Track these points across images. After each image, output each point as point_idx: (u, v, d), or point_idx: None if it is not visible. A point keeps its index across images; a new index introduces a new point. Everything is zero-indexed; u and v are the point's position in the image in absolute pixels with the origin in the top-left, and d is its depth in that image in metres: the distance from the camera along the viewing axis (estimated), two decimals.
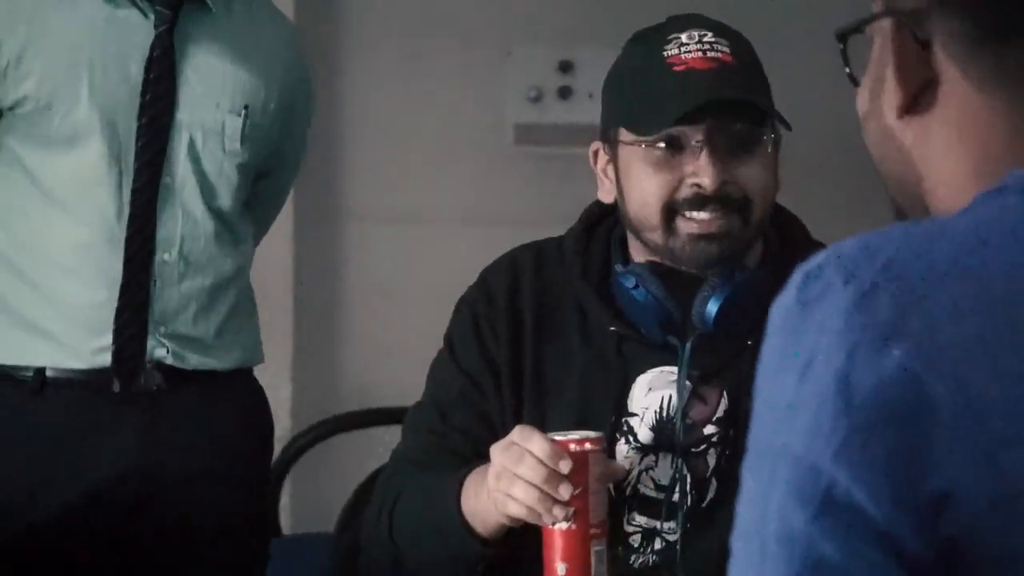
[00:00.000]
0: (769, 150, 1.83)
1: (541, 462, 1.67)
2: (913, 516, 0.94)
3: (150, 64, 2.34)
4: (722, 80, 1.78)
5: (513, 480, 1.67)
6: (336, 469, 3.64)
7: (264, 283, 3.76)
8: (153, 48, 2.33)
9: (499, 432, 1.86)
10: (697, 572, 1.78)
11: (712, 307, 1.81)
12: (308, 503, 3.66)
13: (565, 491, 1.67)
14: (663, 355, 1.86)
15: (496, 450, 1.72)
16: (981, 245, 0.98)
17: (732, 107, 1.79)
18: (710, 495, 1.83)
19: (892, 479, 0.94)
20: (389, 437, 3.68)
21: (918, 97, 1.07)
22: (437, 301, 3.95)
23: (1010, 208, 1.00)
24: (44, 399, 2.34)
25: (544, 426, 1.83)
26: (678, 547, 1.82)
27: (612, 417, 1.86)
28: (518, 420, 1.88)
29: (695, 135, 1.78)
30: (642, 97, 1.83)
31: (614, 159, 1.89)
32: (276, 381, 3.73)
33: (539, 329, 1.92)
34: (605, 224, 1.95)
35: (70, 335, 2.33)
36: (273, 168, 2.53)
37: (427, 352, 3.87)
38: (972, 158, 1.05)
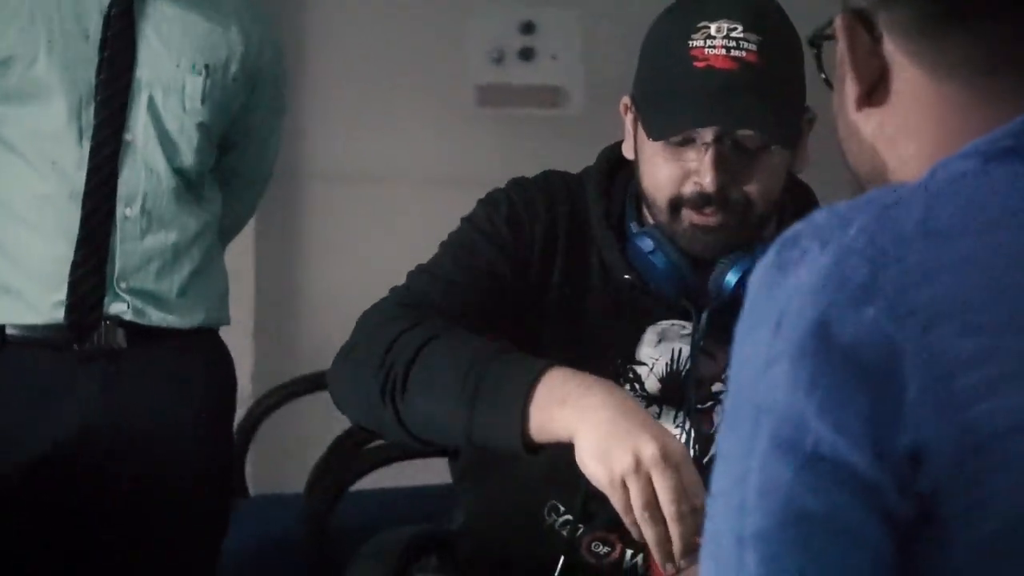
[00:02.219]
0: (776, 159, 1.83)
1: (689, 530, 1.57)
2: (894, 471, 0.97)
3: (108, 21, 2.36)
4: (738, 87, 1.78)
5: (656, 516, 1.56)
6: (300, 430, 3.65)
7: None
8: (112, 6, 2.36)
9: (512, 304, 1.85)
10: None
11: (732, 277, 1.82)
12: (273, 464, 3.67)
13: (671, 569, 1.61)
14: (674, 310, 1.87)
15: (664, 454, 1.56)
16: (942, 208, 1.03)
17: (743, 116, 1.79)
18: (713, 451, 1.85)
19: (873, 434, 0.97)
20: None
21: (875, 90, 1.12)
22: (399, 260, 3.96)
23: (966, 172, 1.06)
24: (5, 356, 2.35)
25: (550, 350, 1.82)
26: None
27: (618, 361, 1.87)
28: (536, 328, 1.86)
29: (704, 135, 1.80)
30: (658, 91, 1.84)
31: (635, 126, 1.90)
32: (237, 343, 3.72)
33: (568, 249, 1.91)
34: (624, 171, 1.94)
35: (29, 289, 2.35)
36: (240, 140, 2.54)
37: None
38: (928, 142, 1.10)
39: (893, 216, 1.02)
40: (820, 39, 1.19)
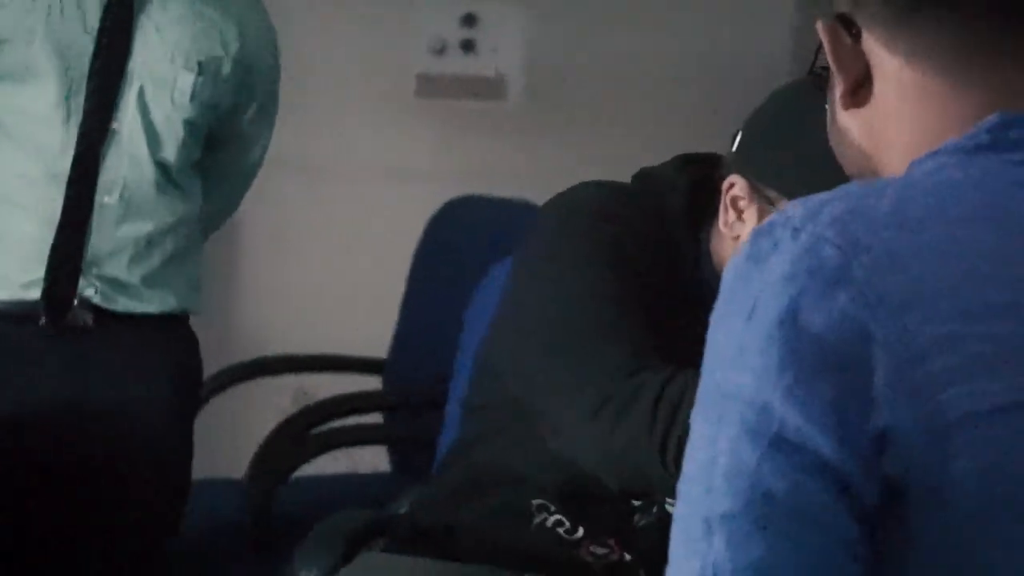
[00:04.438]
0: None
1: None
2: (859, 454, 0.99)
3: (108, 10, 2.38)
4: None
5: None
6: (239, 417, 3.66)
7: None
8: None
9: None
10: None
11: None
12: (211, 451, 3.68)
13: None
14: None
15: None
16: (914, 199, 1.05)
17: None
18: None
19: (839, 418, 0.99)
20: (289, 385, 3.71)
21: (859, 88, 1.14)
22: (336, 250, 3.98)
23: (940, 166, 1.08)
24: None
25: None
26: None
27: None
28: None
29: None
30: (814, 185, 1.74)
31: (761, 215, 1.81)
32: None
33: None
34: (707, 219, 1.88)
35: (4, 266, 2.37)
36: (228, 139, 2.56)
37: (325, 301, 3.89)
38: (908, 134, 1.12)
39: (865, 206, 1.04)
40: (821, 71, 1.21)
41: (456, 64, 3.87)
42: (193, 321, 3.85)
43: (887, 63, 1.12)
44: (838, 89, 1.15)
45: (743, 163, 1.84)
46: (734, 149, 1.86)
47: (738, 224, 1.84)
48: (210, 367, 3.48)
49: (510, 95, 3.90)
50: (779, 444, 0.99)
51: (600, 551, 1.87)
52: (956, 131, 1.10)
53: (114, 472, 2.42)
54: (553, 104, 3.88)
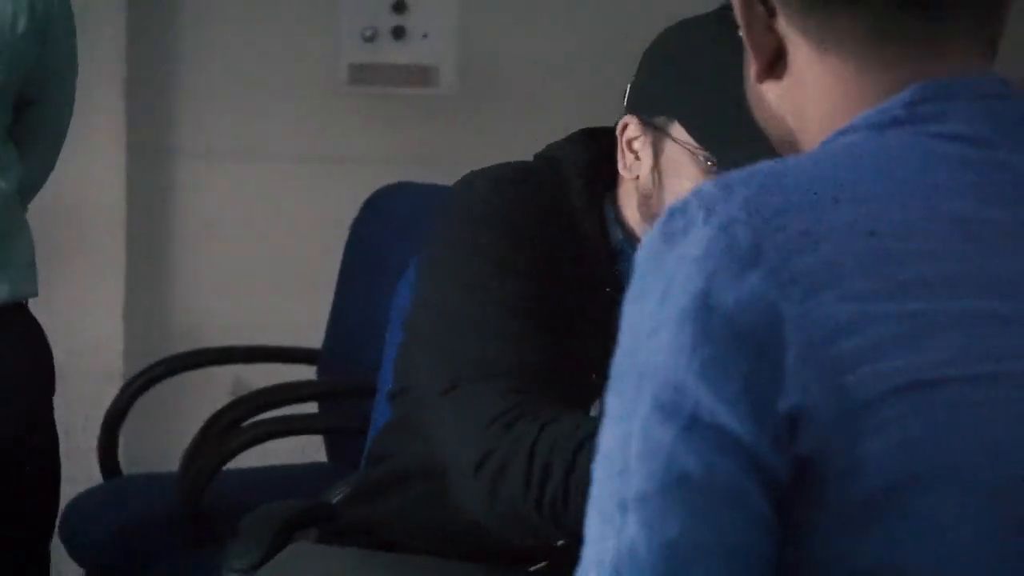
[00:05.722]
0: None
1: None
2: (772, 434, 1.00)
3: None
4: None
5: None
6: (173, 409, 3.64)
7: (96, 221, 3.73)
8: None
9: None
10: None
11: None
12: (146, 444, 3.66)
13: None
14: None
15: None
16: (827, 177, 1.06)
17: None
18: None
19: (751, 399, 1.00)
20: (226, 377, 3.70)
21: (775, 63, 1.14)
22: (270, 238, 3.97)
23: (853, 144, 1.09)
24: None
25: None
26: None
27: (593, 377, 1.77)
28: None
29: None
30: (723, 115, 1.72)
31: (655, 147, 1.83)
32: (107, 320, 3.72)
33: (564, 273, 1.84)
34: (603, 189, 1.88)
35: None
36: (37, 95, 2.44)
37: (260, 291, 3.89)
38: (823, 114, 1.12)
39: (778, 185, 1.05)
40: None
41: (387, 51, 3.86)
42: (127, 314, 3.84)
43: (800, 45, 1.12)
44: (752, 65, 1.15)
45: (634, 102, 1.85)
46: (627, 94, 1.88)
47: (635, 164, 1.85)
48: (144, 359, 3.48)
49: (442, 82, 3.89)
50: (693, 424, 1.00)
51: None
52: (871, 106, 1.10)
53: None
54: (485, 90, 3.87)
